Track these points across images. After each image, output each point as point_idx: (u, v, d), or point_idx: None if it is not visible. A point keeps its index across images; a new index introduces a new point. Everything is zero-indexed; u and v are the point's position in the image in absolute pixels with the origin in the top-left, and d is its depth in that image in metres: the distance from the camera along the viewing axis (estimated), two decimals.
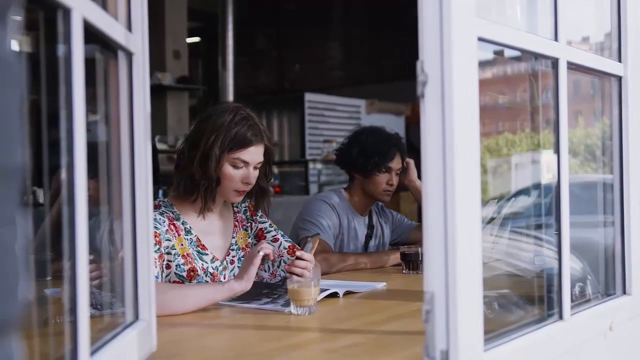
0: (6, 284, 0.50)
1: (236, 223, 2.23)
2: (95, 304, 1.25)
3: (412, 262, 2.51)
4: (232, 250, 2.19)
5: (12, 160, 0.50)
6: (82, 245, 0.95)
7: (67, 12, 0.92)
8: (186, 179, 2.06)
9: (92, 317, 1.00)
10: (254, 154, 2.07)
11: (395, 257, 2.68)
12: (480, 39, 1.16)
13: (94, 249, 1.08)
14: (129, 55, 1.27)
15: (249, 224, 2.26)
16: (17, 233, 0.51)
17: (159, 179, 4.35)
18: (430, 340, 1.09)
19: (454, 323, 1.07)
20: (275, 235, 2.25)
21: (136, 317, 1.30)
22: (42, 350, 1.08)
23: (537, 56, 1.45)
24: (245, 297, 1.94)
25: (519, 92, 1.91)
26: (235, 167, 2.05)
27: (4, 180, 0.49)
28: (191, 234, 2.09)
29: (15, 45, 0.54)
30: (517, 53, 1.43)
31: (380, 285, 2.22)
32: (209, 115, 2.07)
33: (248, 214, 2.27)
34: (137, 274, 1.29)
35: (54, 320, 1.36)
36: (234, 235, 2.21)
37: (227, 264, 2.15)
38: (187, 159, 2.05)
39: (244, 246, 2.22)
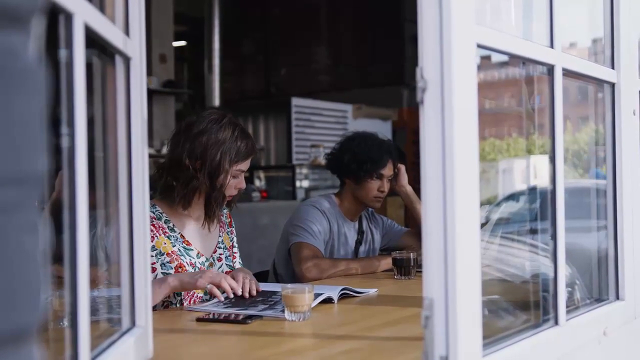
0: (29, 291, 0.50)
1: (221, 224, 2.31)
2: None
3: (404, 268, 2.51)
4: (219, 248, 2.26)
5: (35, 167, 0.50)
6: (83, 252, 0.94)
7: (69, 17, 0.91)
8: (191, 192, 2.10)
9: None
10: (249, 162, 2.19)
11: (386, 263, 2.68)
12: (479, 46, 1.16)
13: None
14: (127, 60, 1.26)
15: (230, 229, 2.35)
16: (39, 240, 0.51)
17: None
18: (430, 346, 1.09)
19: (454, 329, 1.07)
20: (236, 253, 2.35)
21: (133, 323, 1.28)
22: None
23: (533, 63, 1.45)
24: (241, 305, 1.93)
25: (506, 98, 1.92)
26: (235, 177, 2.15)
27: (28, 187, 0.49)
28: (175, 231, 2.13)
29: (37, 53, 0.54)
30: (504, 58, 1.44)
31: (373, 292, 2.22)
32: (206, 129, 2.10)
33: (228, 220, 2.36)
34: (133, 281, 1.28)
35: (48, 327, 1.35)
36: (220, 234, 2.28)
37: (213, 260, 2.21)
38: (191, 171, 2.08)
39: (229, 246, 2.30)
